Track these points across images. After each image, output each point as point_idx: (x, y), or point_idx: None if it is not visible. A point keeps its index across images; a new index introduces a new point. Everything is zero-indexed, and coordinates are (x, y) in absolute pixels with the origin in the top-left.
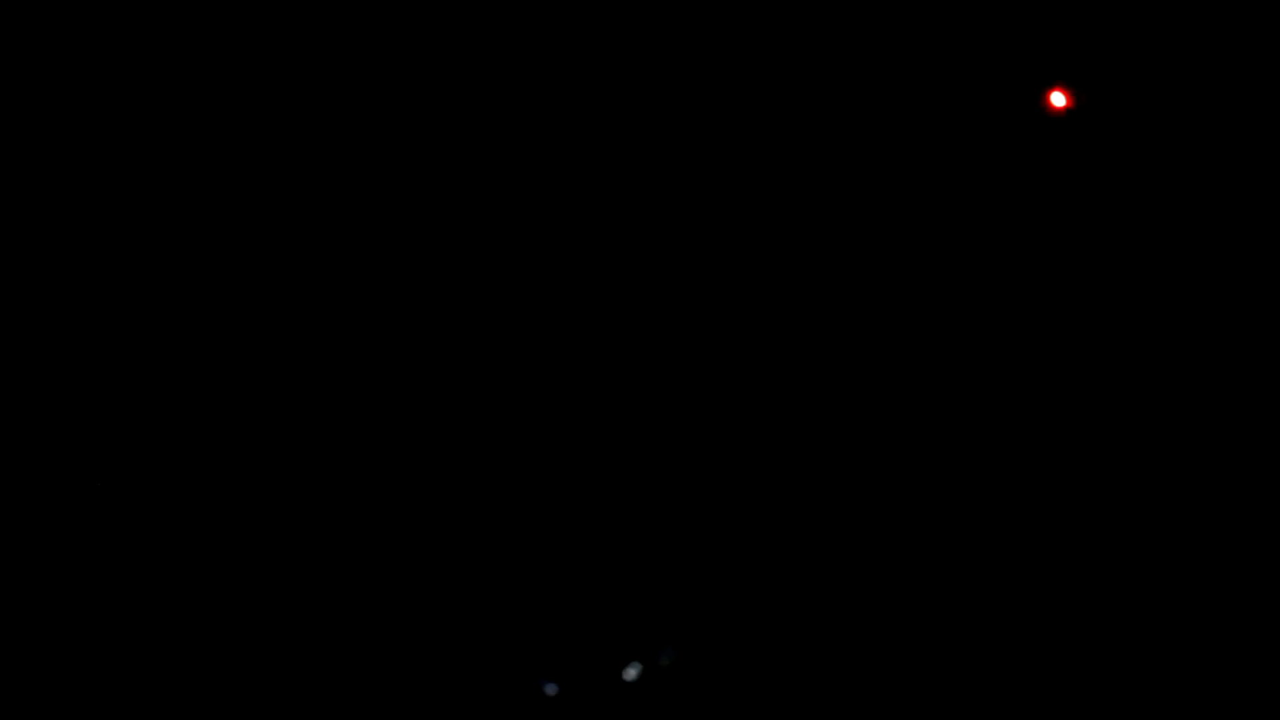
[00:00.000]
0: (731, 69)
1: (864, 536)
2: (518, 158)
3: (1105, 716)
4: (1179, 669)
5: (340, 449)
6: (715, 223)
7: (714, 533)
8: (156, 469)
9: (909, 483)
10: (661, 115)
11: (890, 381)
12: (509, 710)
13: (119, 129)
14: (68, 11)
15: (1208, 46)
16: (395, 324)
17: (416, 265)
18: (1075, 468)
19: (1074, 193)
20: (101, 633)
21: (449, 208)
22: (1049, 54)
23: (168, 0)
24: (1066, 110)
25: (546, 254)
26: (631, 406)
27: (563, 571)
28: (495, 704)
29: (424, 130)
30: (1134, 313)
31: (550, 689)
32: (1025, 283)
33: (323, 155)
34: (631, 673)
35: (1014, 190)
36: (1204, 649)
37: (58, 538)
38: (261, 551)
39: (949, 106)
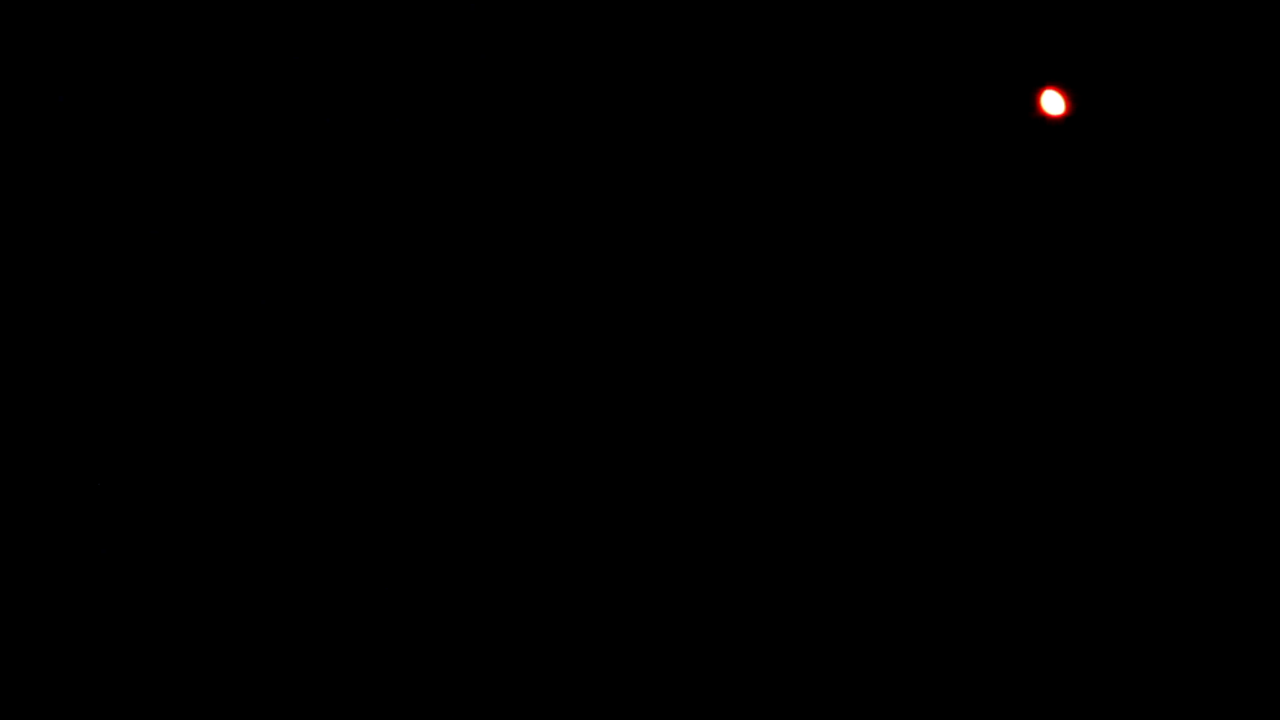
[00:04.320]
0: (729, 68)
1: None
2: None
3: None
4: (1179, 669)
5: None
6: (711, 223)
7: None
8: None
9: (902, 484)
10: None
11: (883, 385)
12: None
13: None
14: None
15: (1206, 49)
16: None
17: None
18: (1070, 471)
19: (1069, 200)
20: (100, 632)
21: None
22: (1044, 57)
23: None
24: (1064, 117)
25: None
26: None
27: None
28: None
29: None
30: (1129, 320)
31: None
32: (1019, 290)
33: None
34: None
35: (1009, 198)
36: (1204, 649)
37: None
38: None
39: (943, 110)
